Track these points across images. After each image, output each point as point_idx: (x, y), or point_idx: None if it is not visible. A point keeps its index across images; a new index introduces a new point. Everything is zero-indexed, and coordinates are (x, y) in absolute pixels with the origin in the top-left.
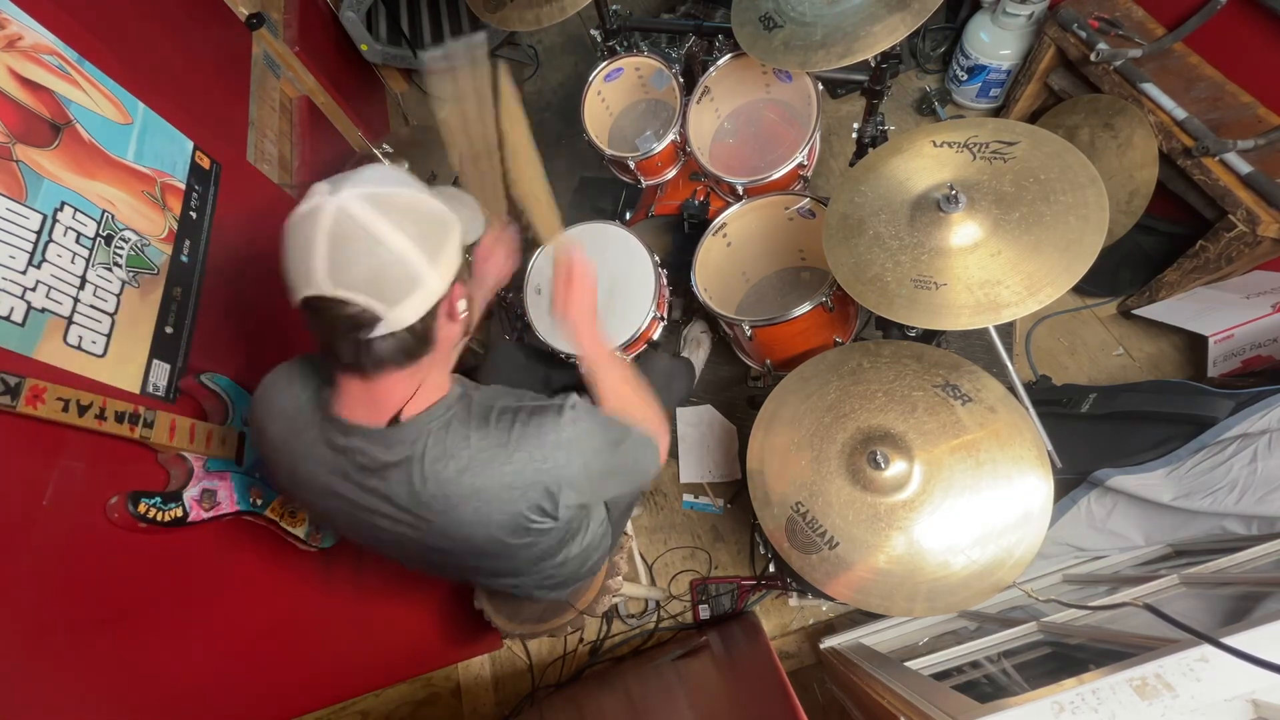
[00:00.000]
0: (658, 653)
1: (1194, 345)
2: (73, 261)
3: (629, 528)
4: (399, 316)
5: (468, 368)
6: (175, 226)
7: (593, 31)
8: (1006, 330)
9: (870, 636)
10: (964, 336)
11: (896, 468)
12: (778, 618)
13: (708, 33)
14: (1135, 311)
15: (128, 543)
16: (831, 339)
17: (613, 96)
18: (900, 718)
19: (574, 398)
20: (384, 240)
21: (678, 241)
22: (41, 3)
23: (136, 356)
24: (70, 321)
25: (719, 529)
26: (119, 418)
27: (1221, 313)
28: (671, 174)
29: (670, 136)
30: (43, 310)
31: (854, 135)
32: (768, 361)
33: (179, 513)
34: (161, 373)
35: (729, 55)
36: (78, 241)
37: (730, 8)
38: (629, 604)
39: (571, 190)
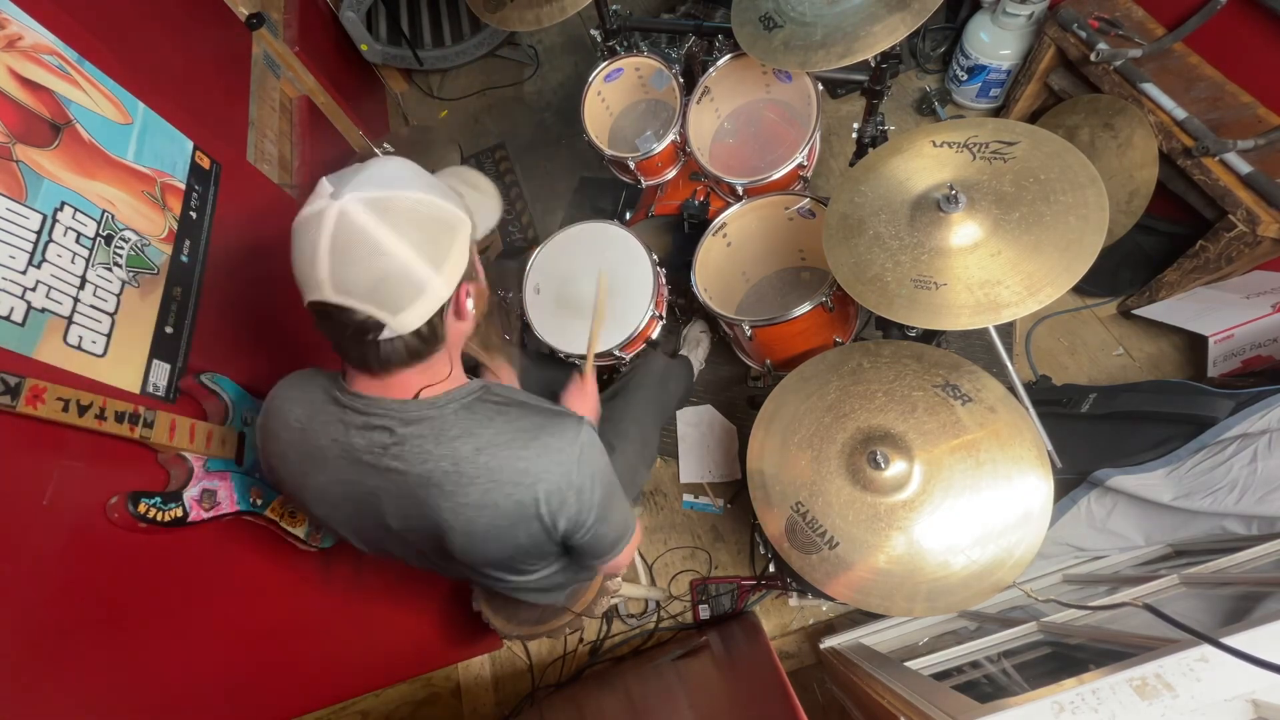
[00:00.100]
0: (658, 653)
1: (1194, 345)
2: (73, 261)
3: None
4: (403, 322)
5: (469, 367)
6: (175, 226)
7: (593, 31)
8: (1006, 330)
9: (870, 636)
10: (964, 336)
11: (896, 468)
12: (778, 618)
13: (708, 33)
14: (1135, 311)
15: (128, 543)
16: (831, 339)
17: (613, 96)
18: (900, 718)
19: (588, 430)
20: (386, 249)
21: (678, 241)
22: (41, 3)
23: (136, 356)
24: (70, 321)
25: (719, 529)
26: (119, 418)
27: (1221, 313)
28: (671, 174)
29: (670, 137)
30: (43, 310)
31: (854, 135)
32: (768, 361)
33: (179, 513)
34: (161, 373)
35: (729, 55)
36: (78, 241)
37: (730, 8)
38: (629, 604)
39: (571, 190)
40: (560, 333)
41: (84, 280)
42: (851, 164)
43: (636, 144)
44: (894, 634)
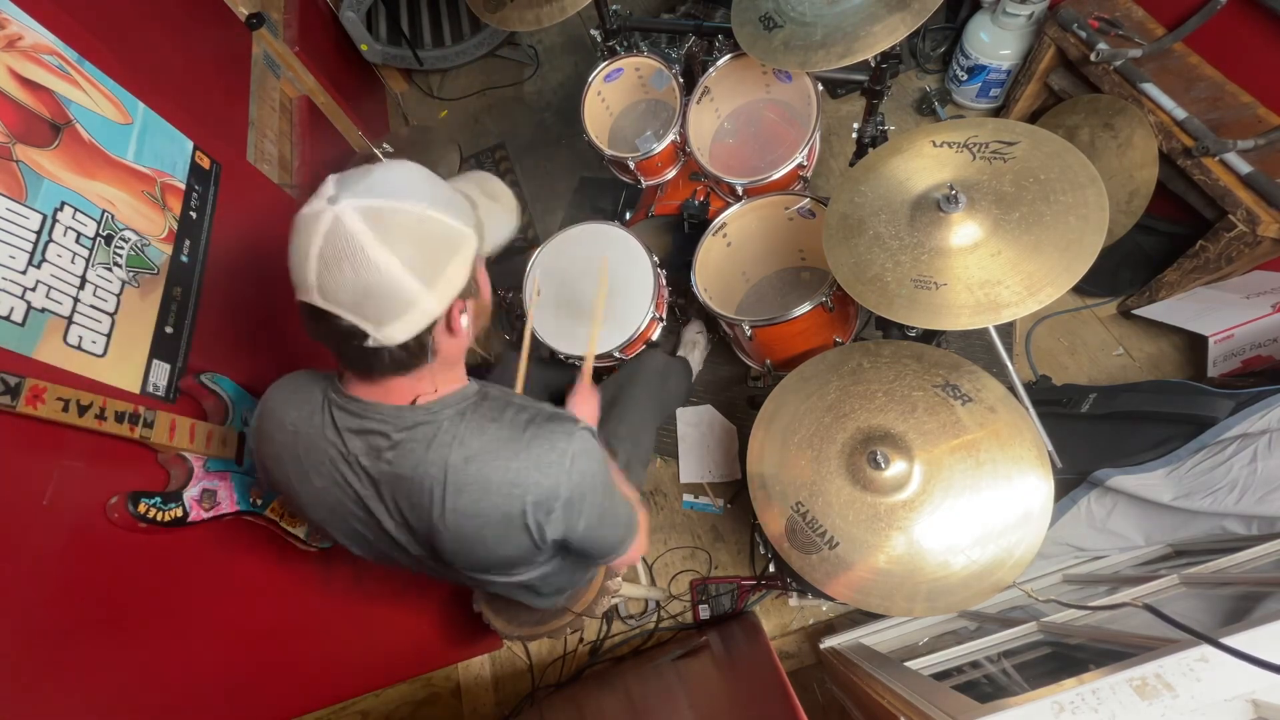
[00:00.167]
0: (658, 653)
1: (1194, 345)
2: (73, 261)
3: None
4: (387, 335)
5: (469, 367)
6: (175, 226)
7: (593, 31)
8: (1006, 330)
9: (870, 636)
10: (964, 336)
11: (896, 468)
12: (778, 618)
13: (708, 33)
14: (1135, 311)
15: (128, 543)
16: (831, 339)
17: (613, 96)
18: (900, 718)
19: (582, 433)
20: (374, 262)
21: (678, 241)
22: (41, 3)
23: (136, 356)
24: (70, 321)
25: (719, 529)
26: (119, 418)
27: (1221, 313)
28: (671, 174)
29: (670, 137)
30: (43, 310)
31: (854, 135)
32: (768, 361)
33: (179, 513)
34: (161, 373)
35: (729, 55)
36: (78, 241)
37: (730, 8)
38: (629, 604)
39: (571, 190)
40: (560, 334)
41: (84, 280)
42: (851, 164)
43: (636, 144)
44: (894, 634)
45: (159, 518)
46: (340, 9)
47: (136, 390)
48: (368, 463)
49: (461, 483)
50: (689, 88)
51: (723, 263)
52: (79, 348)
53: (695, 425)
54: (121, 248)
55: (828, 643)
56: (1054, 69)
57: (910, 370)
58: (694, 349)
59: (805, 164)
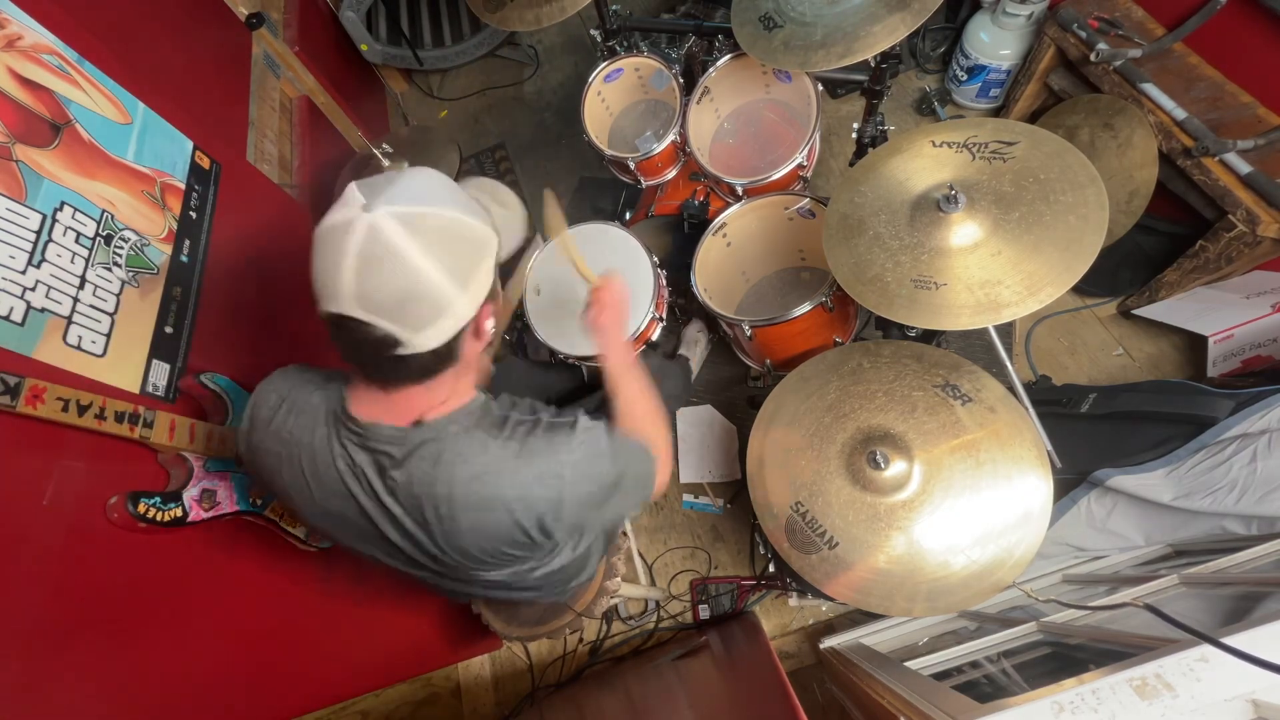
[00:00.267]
0: (658, 653)
1: (1194, 345)
2: (72, 261)
3: (628, 527)
4: (421, 341)
5: None
6: (175, 226)
7: (593, 31)
8: (1006, 330)
9: (870, 636)
10: (964, 336)
11: (896, 468)
12: (778, 618)
13: (708, 33)
14: (1135, 311)
15: (128, 543)
16: (831, 339)
17: (613, 97)
18: (900, 718)
19: (585, 419)
20: (415, 267)
21: (678, 241)
22: (41, 3)
23: (136, 356)
24: (70, 321)
25: (719, 529)
26: (119, 418)
27: (1221, 313)
28: (671, 174)
29: (670, 137)
30: (42, 310)
31: (854, 135)
32: (768, 361)
33: (179, 513)
34: (161, 372)
35: (729, 55)
36: (77, 241)
37: (730, 8)
38: (629, 604)
39: (571, 190)
40: (560, 334)
41: (84, 280)
42: (851, 164)
43: (636, 144)
44: (894, 634)
45: (159, 518)
46: (340, 9)
47: (136, 390)
48: (374, 478)
49: (468, 500)
50: (689, 88)
51: (723, 263)
52: (79, 348)
53: (695, 425)
54: (121, 248)
55: (828, 643)
56: (1054, 69)
57: (910, 370)
58: (694, 347)
59: (805, 164)
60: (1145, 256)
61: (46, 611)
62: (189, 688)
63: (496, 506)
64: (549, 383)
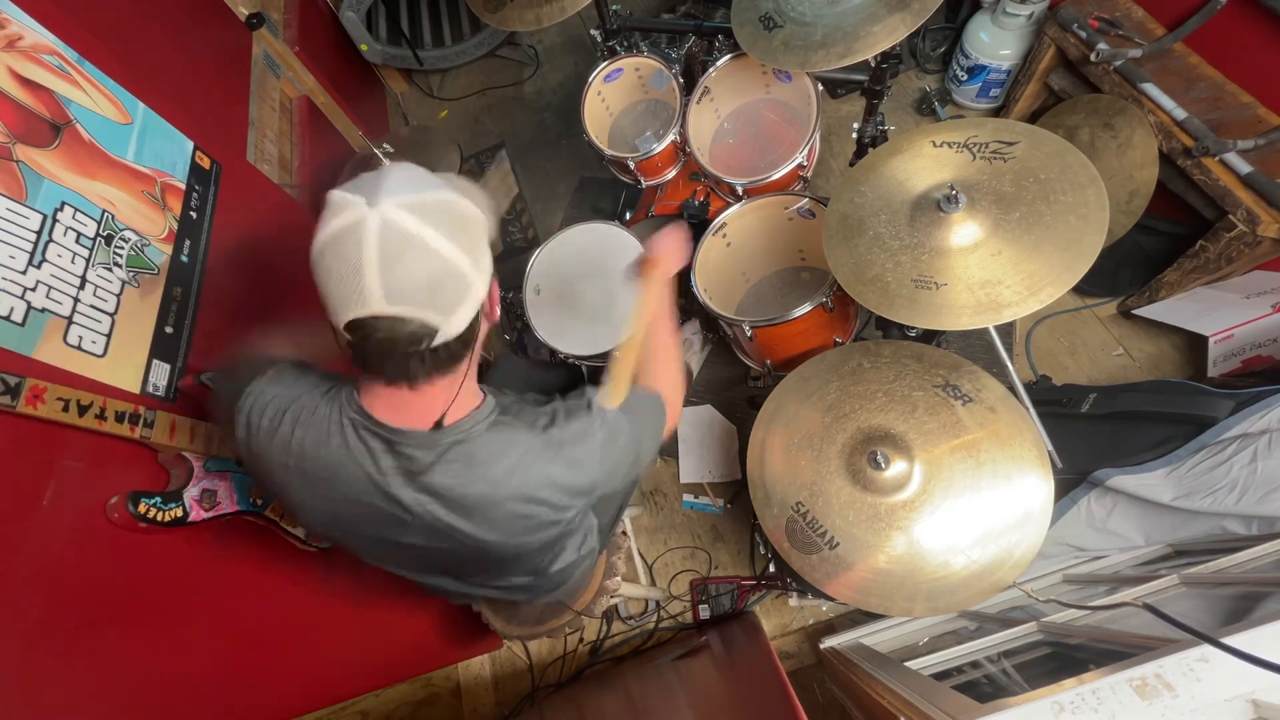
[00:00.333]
0: (658, 653)
1: (1194, 345)
2: (73, 261)
3: (628, 527)
4: (454, 325)
5: None
6: (175, 226)
7: (593, 31)
8: (1006, 330)
9: (870, 636)
10: (964, 336)
11: (897, 468)
12: (778, 618)
13: (708, 33)
14: (1135, 311)
15: (128, 543)
16: (831, 339)
17: (613, 97)
18: (900, 718)
19: (594, 396)
20: (437, 251)
21: None
22: (41, 3)
23: (136, 356)
24: (70, 321)
25: (719, 529)
26: (119, 418)
27: (1221, 313)
28: (671, 174)
29: (670, 137)
30: (43, 310)
31: (854, 135)
32: (768, 362)
33: (179, 513)
34: (161, 373)
35: (729, 55)
36: (78, 241)
37: (730, 8)
38: (629, 604)
39: (571, 190)
40: (561, 334)
41: (84, 280)
42: (851, 164)
43: (636, 144)
44: (894, 634)
45: (159, 517)
46: (340, 9)
47: (136, 390)
48: (399, 486)
49: (504, 494)
50: (689, 88)
51: (723, 263)
52: (79, 348)
53: (695, 425)
54: (121, 248)
55: (828, 643)
56: (1054, 69)
57: (910, 370)
58: (689, 349)
59: (805, 164)
60: (1145, 256)
61: (47, 611)
62: (189, 687)
63: (536, 497)
64: (549, 380)
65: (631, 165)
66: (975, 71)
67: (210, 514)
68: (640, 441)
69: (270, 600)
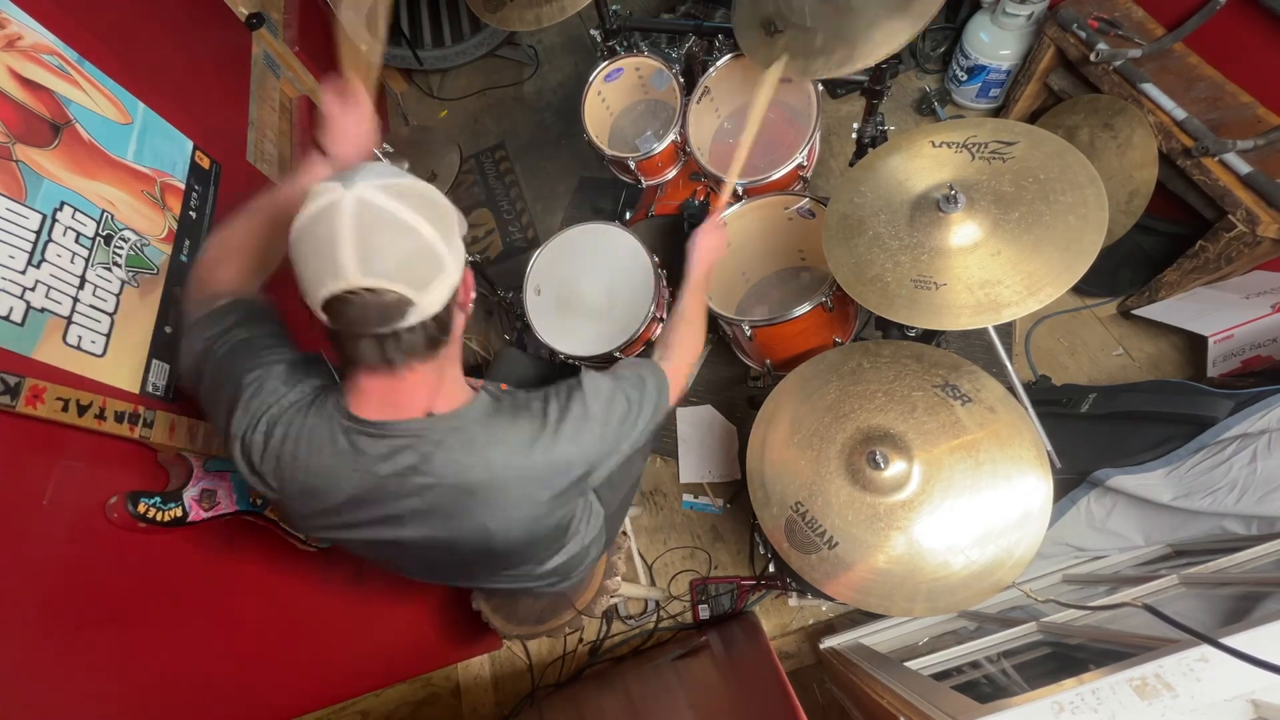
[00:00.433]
0: (657, 653)
1: (1194, 345)
2: (72, 261)
3: (628, 527)
4: (428, 303)
5: (470, 367)
6: (175, 226)
7: (593, 31)
8: (1006, 330)
9: (870, 636)
10: (964, 336)
11: (896, 468)
12: (777, 618)
13: (708, 33)
14: (1135, 311)
15: (127, 542)
16: (831, 339)
17: (613, 96)
18: (900, 718)
19: (588, 373)
20: (411, 225)
21: (678, 241)
22: (41, 3)
23: (136, 356)
24: (70, 321)
25: (719, 529)
26: (119, 417)
27: (1221, 313)
28: (671, 174)
29: (670, 136)
30: (42, 310)
31: (854, 135)
32: (767, 361)
33: (178, 512)
34: (161, 373)
35: (729, 55)
36: (77, 241)
37: (730, 8)
38: (628, 604)
39: (571, 190)
40: (561, 334)
41: (83, 280)
42: (851, 164)
43: (636, 144)
44: (894, 634)
45: (158, 517)
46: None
47: (136, 390)
48: (396, 484)
49: (509, 477)
50: (689, 88)
51: (723, 263)
52: (78, 348)
53: (695, 425)
54: (121, 248)
55: (827, 643)
56: (1054, 69)
57: (910, 370)
58: None
59: (805, 164)
60: (1145, 256)
61: (47, 611)
62: (189, 687)
63: (542, 478)
64: (549, 377)
65: (632, 165)
66: (975, 71)
67: (210, 514)
68: (639, 411)
69: (270, 600)
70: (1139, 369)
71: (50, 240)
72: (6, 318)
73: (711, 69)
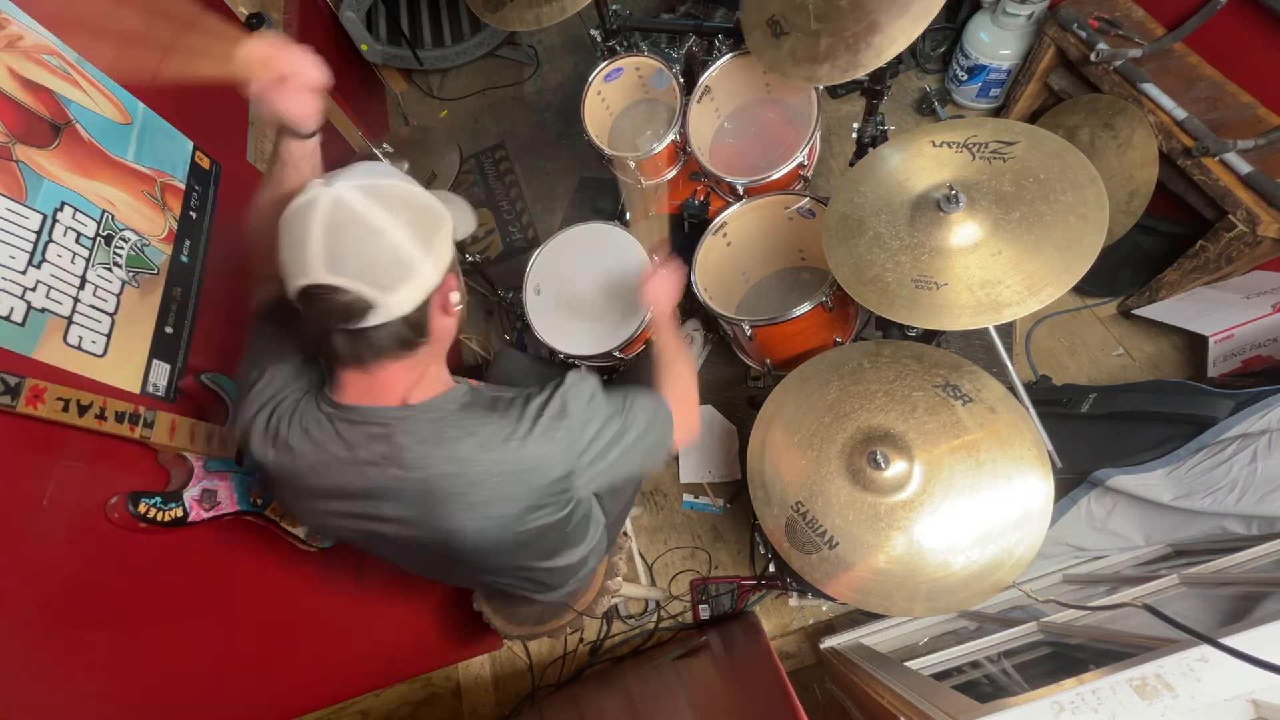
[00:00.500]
0: (658, 653)
1: (1194, 345)
2: (73, 261)
3: (629, 527)
4: (394, 304)
5: (469, 367)
6: (175, 226)
7: (593, 31)
8: (1006, 330)
9: (870, 636)
10: (964, 336)
11: (896, 468)
12: (778, 618)
13: (708, 33)
14: (1135, 311)
15: (128, 542)
16: (831, 339)
17: (613, 96)
18: (900, 718)
19: (569, 386)
20: (379, 228)
21: (678, 241)
22: (41, 3)
23: (136, 356)
24: (70, 321)
25: (719, 529)
26: (119, 418)
27: (1221, 313)
28: (672, 174)
29: (670, 136)
30: (43, 310)
31: (854, 135)
32: (768, 361)
33: (179, 513)
34: (161, 373)
35: (729, 55)
36: (78, 241)
37: (730, 7)
38: (629, 604)
39: (571, 190)
40: (561, 334)
41: (84, 280)
42: (851, 164)
43: (636, 144)
44: (894, 634)
45: (159, 518)
46: (340, 9)
47: (136, 390)
48: (375, 474)
49: (478, 473)
50: (689, 87)
51: (723, 263)
52: (79, 348)
53: None
54: (121, 248)
55: (828, 643)
56: (1054, 69)
57: (910, 370)
58: (689, 345)
59: (805, 164)
60: (1145, 256)
61: (46, 611)
62: (189, 688)
63: (514, 474)
64: (549, 378)
65: (632, 165)
66: (975, 71)
67: (210, 514)
68: (625, 421)
69: (270, 600)
70: (1139, 369)
71: (51, 240)
72: (7, 318)
73: (712, 69)
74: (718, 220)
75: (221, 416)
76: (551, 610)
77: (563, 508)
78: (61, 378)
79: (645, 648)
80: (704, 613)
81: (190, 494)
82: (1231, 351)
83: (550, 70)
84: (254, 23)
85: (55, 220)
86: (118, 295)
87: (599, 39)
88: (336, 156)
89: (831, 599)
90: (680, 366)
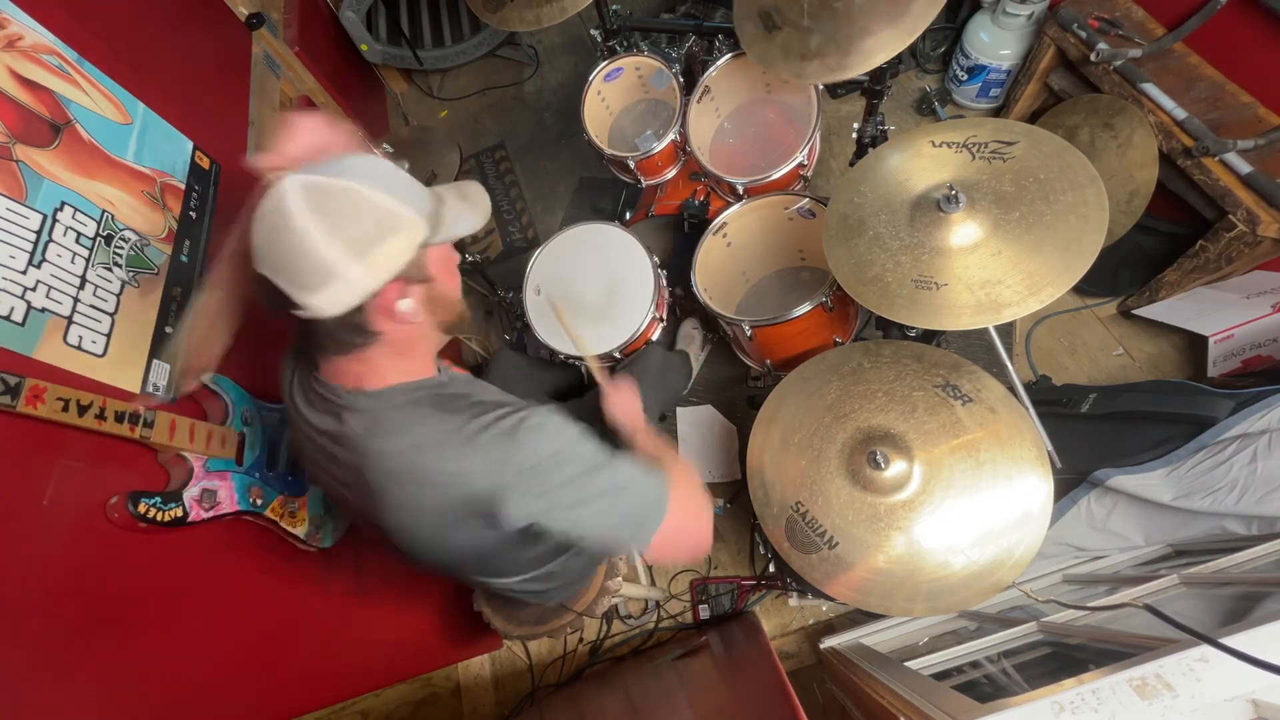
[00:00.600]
0: (657, 653)
1: (1194, 345)
2: (73, 261)
3: None
4: (315, 305)
5: (470, 367)
6: (175, 226)
7: (593, 31)
8: (1006, 330)
9: (870, 636)
10: (964, 336)
11: (896, 468)
12: (778, 618)
13: (708, 33)
14: (1135, 311)
15: (128, 542)
16: (831, 339)
17: (613, 96)
18: (900, 718)
19: (540, 413)
20: (293, 228)
21: (678, 241)
22: (41, 3)
23: (136, 356)
24: (70, 321)
25: (719, 529)
26: (119, 417)
27: (1221, 313)
28: (671, 174)
29: (670, 136)
30: (43, 310)
31: (854, 135)
32: (768, 361)
33: (179, 513)
34: (162, 373)
35: (729, 55)
36: (78, 241)
37: (730, 8)
38: (629, 604)
39: (571, 190)
40: (561, 334)
41: (84, 280)
42: (851, 164)
43: (636, 144)
44: (894, 634)
45: (159, 517)
46: (340, 9)
47: (136, 390)
48: (326, 442)
49: (399, 473)
50: (689, 87)
51: (723, 263)
52: (79, 348)
53: (695, 426)
54: (121, 248)
55: (828, 643)
56: (1054, 69)
57: (910, 370)
58: (691, 344)
59: (805, 164)
60: (1145, 256)
61: (47, 611)
62: (189, 688)
63: (432, 481)
64: (548, 378)
65: (631, 165)
66: (975, 71)
67: (210, 514)
68: (591, 472)
69: (270, 600)
70: (1139, 369)
71: (51, 240)
72: (7, 318)
73: (712, 68)
74: (718, 220)
75: (221, 416)
76: (552, 610)
77: (491, 527)
78: (61, 377)
79: (645, 648)
80: (704, 613)
81: (190, 494)
82: (1231, 351)
83: (550, 70)
84: (254, 23)
85: (55, 220)
86: (118, 295)
87: (599, 39)
88: None
89: (831, 599)
90: (679, 470)
